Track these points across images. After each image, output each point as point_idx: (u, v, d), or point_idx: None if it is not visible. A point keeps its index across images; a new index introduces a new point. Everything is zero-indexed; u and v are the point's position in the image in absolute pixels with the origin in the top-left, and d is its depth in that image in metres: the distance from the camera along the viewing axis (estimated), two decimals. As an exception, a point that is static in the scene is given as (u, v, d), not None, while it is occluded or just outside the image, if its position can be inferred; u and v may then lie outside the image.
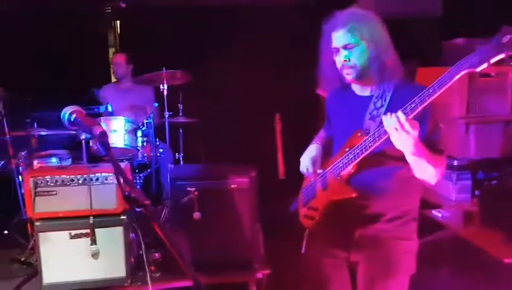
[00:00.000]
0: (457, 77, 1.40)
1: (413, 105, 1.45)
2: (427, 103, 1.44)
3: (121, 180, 1.13)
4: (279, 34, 4.64)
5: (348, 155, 1.67)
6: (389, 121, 1.46)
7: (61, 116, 1.31)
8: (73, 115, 1.31)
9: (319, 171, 1.86)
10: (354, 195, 1.65)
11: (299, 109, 4.48)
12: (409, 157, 1.53)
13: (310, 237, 1.89)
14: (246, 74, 4.54)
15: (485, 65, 1.37)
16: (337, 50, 1.68)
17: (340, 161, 1.70)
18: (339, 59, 1.68)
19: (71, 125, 1.32)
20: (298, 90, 4.41)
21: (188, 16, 4.65)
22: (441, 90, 1.42)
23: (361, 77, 1.68)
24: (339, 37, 1.65)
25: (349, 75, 1.68)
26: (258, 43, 4.60)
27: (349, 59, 1.65)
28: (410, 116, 1.45)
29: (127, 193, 1.10)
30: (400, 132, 1.43)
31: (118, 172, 1.15)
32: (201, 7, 4.70)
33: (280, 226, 3.19)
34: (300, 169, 1.94)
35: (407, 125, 1.42)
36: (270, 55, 4.66)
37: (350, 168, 1.67)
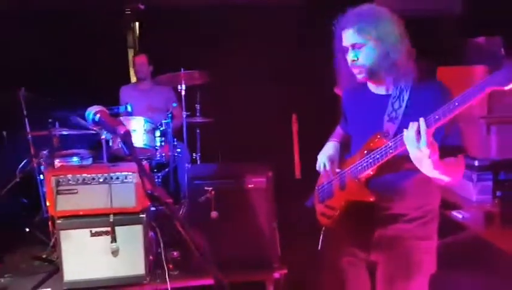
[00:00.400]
0: (484, 92, 1.35)
1: (436, 117, 1.41)
2: (450, 116, 1.40)
3: (144, 179, 1.14)
4: (297, 33, 4.63)
5: (367, 159, 1.66)
6: (409, 135, 1.42)
7: (86, 116, 1.34)
8: (98, 115, 1.33)
9: (337, 170, 1.86)
10: (372, 199, 1.64)
11: (316, 109, 4.46)
12: (425, 172, 1.51)
13: (326, 235, 1.89)
14: (263, 74, 4.55)
15: None
16: (347, 49, 1.67)
17: (359, 163, 1.69)
18: (349, 58, 1.67)
19: (95, 125, 1.34)
20: (315, 90, 4.40)
21: (206, 17, 4.68)
22: (466, 105, 1.38)
23: (372, 76, 1.66)
24: (347, 37, 1.65)
25: (359, 75, 1.67)
26: (276, 42, 4.61)
27: (357, 58, 1.64)
28: (433, 127, 1.41)
29: (149, 191, 1.12)
30: (418, 150, 1.41)
31: (141, 171, 1.17)
32: (218, 7, 4.73)
33: (296, 226, 3.20)
34: (317, 166, 1.93)
35: (424, 140, 1.38)
36: (288, 55, 4.66)
37: (369, 171, 1.66)
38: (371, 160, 1.64)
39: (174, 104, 4.09)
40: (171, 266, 2.84)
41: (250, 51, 4.41)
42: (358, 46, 1.63)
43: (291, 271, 2.86)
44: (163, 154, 3.86)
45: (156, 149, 3.79)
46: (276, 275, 2.83)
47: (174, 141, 3.89)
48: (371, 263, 1.78)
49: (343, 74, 1.74)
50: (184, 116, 3.92)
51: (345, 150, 1.92)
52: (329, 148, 1.94)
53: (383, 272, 1.74)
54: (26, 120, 3.73)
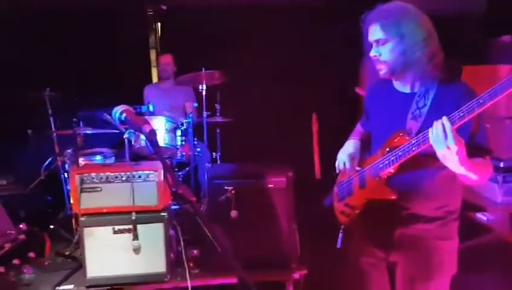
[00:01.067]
0: (509, 90, 1.33)
1: (461, 114, 1.40)
2: (475, 113, 1.39)
3: (169, 177, 1.16)
4: (318, 32, 4.61)
5: (388, 156, 1.64)
6: (434, 133, 1.42)
7: (112, 115, 1.36)
8: (124, 114, 1.36)
9: (357, 168, 1.84)
10: (393, 197, 1.62)
11: (337, 108, 4.43)
12: (453, 169, 1.48)
13: (346, 233, 1.87)
14: (284, 74, 4.54)
15: None
16: (372, 44, 1.68)
17: (380, 161, 1.68)
18: (372, 54, 1.68)
19: (121, 124, 1.37)
20: (336, 90, 4.37)
21: (226, 17, 4.71)
22: (492, 102, 1.36)
23: (393, 73, 1.66)
24: (372, 32, 1.65)
25: (381, 70, 1.67)
26: (297, 42, 4.60)
27: (379, 54, 1.64)
28: (457, 125, 1.40)
29: (174, 190, 1.13)
30: (445, 148, 1.39)
31: (166, 169, 1.18)
32: (239, 8, 4.74)
33: (317, 226, 3.18)
34: (337, 164, 1.93)
35: (451, 138, 1.38)
36: (308, 54, 4.64)
37: (390, 169, 1.64)
38: (393, 157, 1.62)
39: (196, 104, 4.12)
40: (191, 264, 2.86)
41: (271, 51, 4.42)
42: (381, 42, 1.63)
43: (311, 272, 2.85)
44: (184, 153, 3.89)
45: (177, 148, 3.82)
46: (296, 275, 2.82)
47: (194, 141, 3.92)
48: (390, 263, 1.77)
49: (369, 70, 1.74)
50: (205, 116, 3.95)
51: (365, 149, 1.90)
52: (349, 146, 1.94)
53: (403, 273, 1.73)
54: (51, 119, 3.81)
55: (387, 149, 1.66)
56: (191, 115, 3.90)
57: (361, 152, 1.92)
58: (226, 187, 2.85)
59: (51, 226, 3.61)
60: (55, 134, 3.80)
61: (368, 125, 1.92)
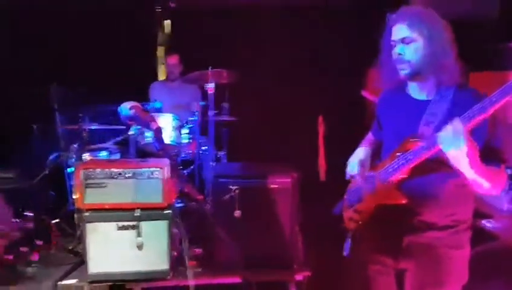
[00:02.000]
0: None
1: (472, 113, 1.39)
2: (488, 112, 1.38)
3: (175, 175, 1.15)
4: (324, 35, 4.60)
5: (399, 160, 1.63)
6: (445, 133, 1.40)
7: (120, 111, 1.36)
8: (133, 110, 1.35)
9: (367, 174, 1.83)
10: (404, 201, 1.60)
11: (343, 111, 4.42)
12: (464, 172, 1.46)
13: (354, 240, 1.86)
14: (291, 75, 4.53)
15: None
16: (395, 43, 1.66)
17: (391, 166, 1.66)
18: (395, 52, 1.66)
19: (129, 120, 1.36)
20: (342, 92, 4.36)
21: (235, 17, 4.71)
22: (504, 100, 1.35)
23: (415, 74, 1.64)
24: (397, 31, 1.64)
25: (403, 70, 1.65)
26: (303, 44, 4.59)
27: (404, 53, 1.63)
28: (469, 125, 1.39)
29: (180, 188, 1.12)
30: (456, 149, 1.38)
31: (173, 167, 1.17)
32: (247, 8, 4.74)
33: (320, 228, 3.16)
34: (347, 171, 1.91)
35: (462, 138, 1.36)
36: (315, 56, 4.63)
37: (401, 174, 1.63)
38: (403, 161, 1.61)
39: (202, 103, 4.12)
40: (194, 262, 2.86)
41: (278, 52, 4.41)
42: (407, 41, 1.62)
43: (315, 274, 2.83)
44: (189, 151, 3.89)
45: (183, 146, 3.82)
46: (299, 276, 2.81)
47: (200, 139, 3.92)
48: (399, 271, 1.75)
49: (386, 71, 1.73)
50: (211, 114, 3.94)
51: (375, 157, 1.89)
52: (359, 153, 1.92)
53: (412, 281, 1.71)
54: (57, 114, 3.81)
55: (398, 154, 1.64)
56: (196, 114, 3.89)
57: (372, 160, 1.90)
58: (230, 186, 2.84)
59: (55, 220, 3.61)
60: (60, 129, 3.80)
61: (379, 133, 1.91)
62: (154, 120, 1.31)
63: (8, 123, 4.05)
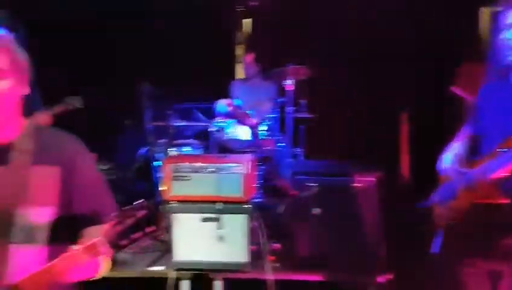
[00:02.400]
0: None
1: None
2: None
3: (268, 170, 1.17)
4: (409, 30, 4.40)
5: (501, 157, 1.52)
6: None
7: (217, 107, 1.41)
8: (230, 108, 1.40)
9: (463, 170, 1.73)
10: (505, 201, 1.49)
11: (430, 109, 4.19)
12: None
13: (445, 237, 1.76)
14: (373, 71, 4.40)
15: None
16: (507, 28, 1.56)
17: (491, 163, 1.56)
18: (506, 37, 1.56)
19: (226, 117, 1.41)
20: (429, 89, 4.13)
21: (314, 14, 4.66)
22: None
23: None
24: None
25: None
26: (386, 39, 4.43)
27: None
28: None
29: (272, 182, 1.14)
30: None
31: (264, 162, 1.19)
32: (328, 3, 4.68)
33: (405, 231, 3.03)
34: (441, 166, 1.82)
35: None
36: (399, 51, 4.44)
37: (503, 172, 1.51)
38: (506, 159, 1.50)
39: (280, 100, 4.14)
40: (273, 257, 2.88)
41: (359, 46, 4.29)
42: None
43: (398, 277, 2.72)
44: (267, 148, 3.93)
45: (261, 143, 3.87)
46: (380, 279, 2.72)
47: (278, 136, 3.94)
48: (493, 274, 1.63)
49: (495, 55, 1.62)
50: (289, 111, 3.95)
51: (471, 153, 1.78)
52: (454, 148, 1.83)
53: (509, 285, 1.58)
54: (147, 111, 4.06)
55: (501, 149, 1.53)
56: (274, 111, 3.91)
57: (467, 155, 1.79)
58: (308, 184, 2.83)
59: (145, 210, 3.83)
60: (150, 125, 4.03)
61: (478, 127, 1.79)
62: (249, 116, 1.35)
63: (104, 119, 4.37)
